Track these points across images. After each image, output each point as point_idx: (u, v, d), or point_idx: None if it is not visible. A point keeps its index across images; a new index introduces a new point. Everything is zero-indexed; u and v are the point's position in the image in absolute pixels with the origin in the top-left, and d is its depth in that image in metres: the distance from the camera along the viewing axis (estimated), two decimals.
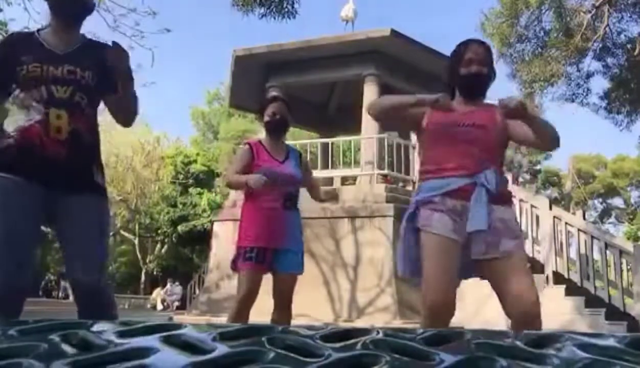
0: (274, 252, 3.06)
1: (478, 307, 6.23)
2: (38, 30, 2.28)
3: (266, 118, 3.24)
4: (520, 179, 26.51)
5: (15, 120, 2.09)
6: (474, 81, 2.34)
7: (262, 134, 3.41)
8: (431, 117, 2.37)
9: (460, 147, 2.27)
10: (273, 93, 3.57)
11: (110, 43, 2.31)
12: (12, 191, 2.02)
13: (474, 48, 2.35)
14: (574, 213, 7.87)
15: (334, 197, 3.76)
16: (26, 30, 2.42)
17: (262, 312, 3.02)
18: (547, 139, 2.34)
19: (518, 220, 2.39)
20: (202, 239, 18.59)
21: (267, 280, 3.06)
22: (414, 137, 9.19)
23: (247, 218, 3.13)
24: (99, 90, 2.22)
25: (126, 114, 2.36)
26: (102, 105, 2.35)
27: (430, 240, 2.22)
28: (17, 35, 2.38)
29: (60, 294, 24.06)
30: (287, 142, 3.44)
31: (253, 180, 2.92)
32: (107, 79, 2.25)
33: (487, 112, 2.36)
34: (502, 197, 2.27)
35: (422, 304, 2.30)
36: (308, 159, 10.29)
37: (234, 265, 3.10)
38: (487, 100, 2.53)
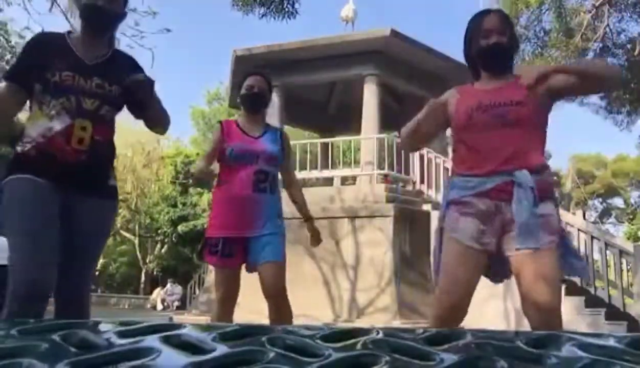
0: (245, 242, 2.77)
1: (478, 307, 6.23)
2: (68, 33, 2.28)
3: (242, 91, 2.98)
4: None
5: (39, 125, 2.10)
6: (495, 52, 2.17)
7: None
8: (459, 103, 2.21)
9: (496, 133, 2.07)
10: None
11: (135, 58, 2.37)
12: (34, 191, 2.05)
13: (491, 18, 2.20)
14: (574, 214, 7.86)
15: (315, 237, 3.03)
16: (56, 31, 2.34)
17: (259, 312, 2.97)
18: (597, 79, 2.10)
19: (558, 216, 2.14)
20: (202, 239, 18.58)
21: (258, 281, 2.84)
22: None
23: (215, 206, 2.89)
24: (125, 102, 2.26)
25: (156, 127, 2.44)
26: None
27: (450, 246, 2.13)
28: (49, 36, 2.35)
29: None
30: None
31: (197, 169, 2.80)
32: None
33: (518, 85, 2.15)
34: (541, 192, 2.03)
35: (432, 307, 2.25)
36: (308, 158, 10.36)
37: (200, 255, 2.90)
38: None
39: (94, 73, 2.16)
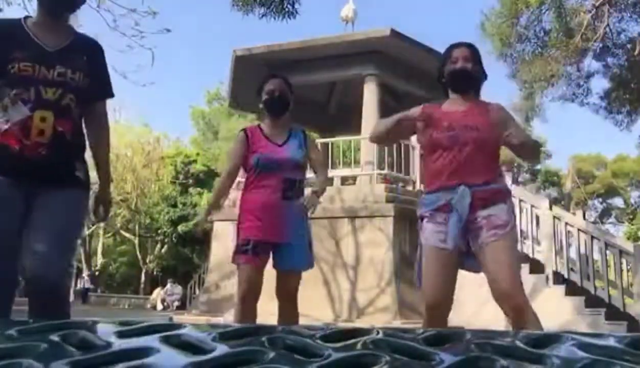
0: (274, 246, 2.85)
1: (478, 307, 6.23)
2: (25, 19, 2.17)
3: (264, 96, 2.96)
4: (520, 179, 26.49)
5: None
6: (459, 75, 2.53)
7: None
8: (430, 123, 2.51)
9: (447, 153, 2.42)
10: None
11: (96, 40, 2.30)
12: None
13: (460, 48, 2.57)
14: (574, 214, 7.86)
15: (312, 201, 2.92)
16: (11, 18, 2.23)
17: (263, 312, 2.99)
18: (531, 156, 2.65)
19: (514, 214, 2.52)
20: (202, 239, 18.58)
21: (268, 281, 2.91)
22: (413, 138, 9.21)
23: (243, 211, 2.90)
24: (90, 91, 2.18)
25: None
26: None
27: (425, 250, 2.51)
28: (3, 23, 2.23)
29: None
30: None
31: (205, 213, 3.06)
32: (97, 79, 2.23)
33: (481, 112, 2.51)
34: (491, 199, 2.41)
35: (423, 305, 2.57)
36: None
37: (233, 259, 2.92)
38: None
39: (56, 61, 2.07)
